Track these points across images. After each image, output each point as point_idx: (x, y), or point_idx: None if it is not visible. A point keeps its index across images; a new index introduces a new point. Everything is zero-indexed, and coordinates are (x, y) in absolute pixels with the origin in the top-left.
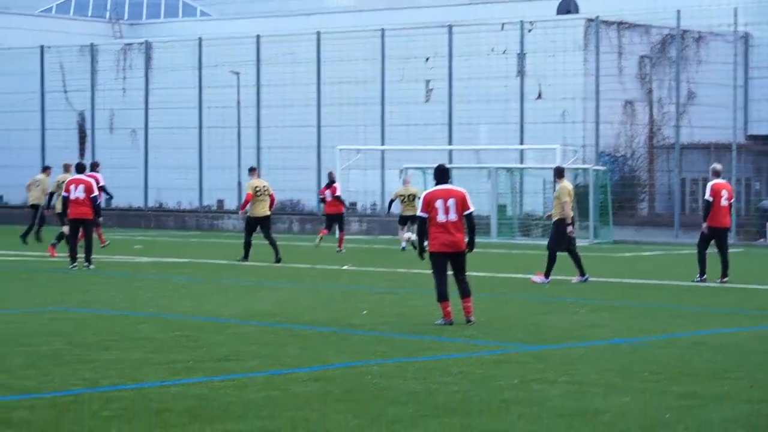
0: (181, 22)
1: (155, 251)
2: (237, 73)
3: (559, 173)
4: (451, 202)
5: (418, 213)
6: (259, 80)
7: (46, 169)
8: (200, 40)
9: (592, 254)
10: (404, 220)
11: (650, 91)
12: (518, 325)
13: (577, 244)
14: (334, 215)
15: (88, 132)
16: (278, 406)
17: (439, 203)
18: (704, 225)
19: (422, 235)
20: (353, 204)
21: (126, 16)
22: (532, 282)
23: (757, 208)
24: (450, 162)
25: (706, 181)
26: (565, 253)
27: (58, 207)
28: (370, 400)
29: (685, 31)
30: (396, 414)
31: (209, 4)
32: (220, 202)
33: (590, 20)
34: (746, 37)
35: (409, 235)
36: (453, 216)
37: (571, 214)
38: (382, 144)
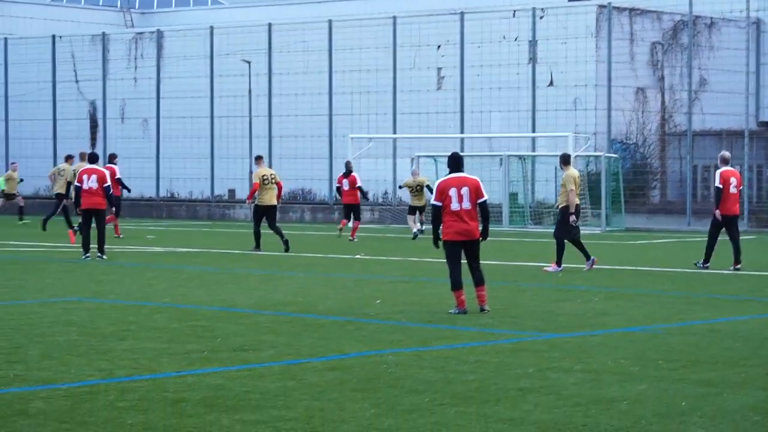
0: (192, 11)
1: (168, 241)
2: (248, 62)
3: (564, 160)
4: (464, 190)
5: (432, 201)
6: (271, 69)
7: (69, 158)
8: (212, 28)
9: (604, 242)
10: (413, 210)
11: (662, 78)
12: (533, 314)
13: (581, 233)
14: (351, 205)
15: (100, 122)
16: (294, 395)
17: (452, 191)
18: (717, 212)
19: (436, 223)
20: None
21: (137, 5)
22: (544, 271)
23: None
24: (462, 150)
25: (717, 168)
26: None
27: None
28: (386, 389)
29: (697, 17)
30: (413, 403)
31: None
32: (232, 192)
33: (602, 7)
34: (758, 23)
35: (415, 225)
36: (467, 204)
37: (577, 202)
38: (394, 132)
